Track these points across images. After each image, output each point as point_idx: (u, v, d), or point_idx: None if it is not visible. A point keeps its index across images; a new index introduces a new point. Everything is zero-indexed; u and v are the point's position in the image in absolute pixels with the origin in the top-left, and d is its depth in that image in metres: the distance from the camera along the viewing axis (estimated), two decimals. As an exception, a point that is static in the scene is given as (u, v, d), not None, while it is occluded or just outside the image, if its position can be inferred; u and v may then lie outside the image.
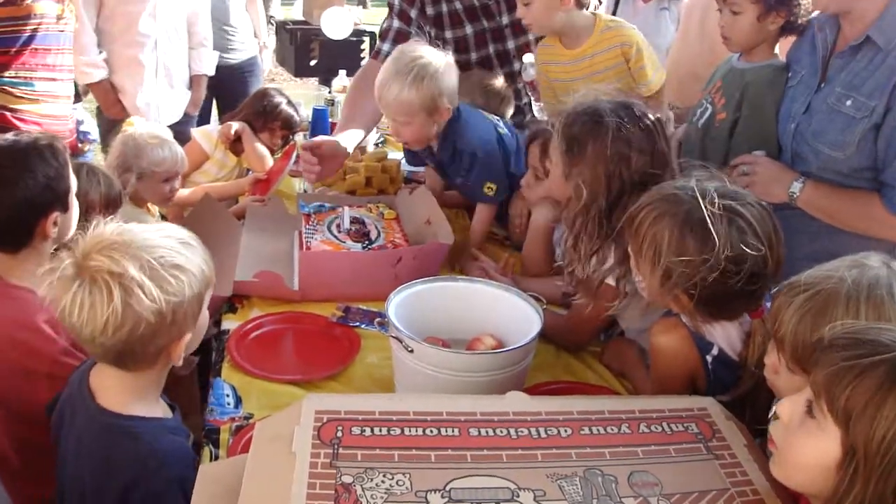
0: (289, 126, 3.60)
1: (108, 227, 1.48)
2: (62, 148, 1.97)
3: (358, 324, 2.19)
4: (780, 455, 1.17)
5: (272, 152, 3.50)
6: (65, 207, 1.94)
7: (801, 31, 2.38)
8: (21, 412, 1.84)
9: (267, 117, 3.54)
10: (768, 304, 1.51)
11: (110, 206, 2.38)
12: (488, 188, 2.68)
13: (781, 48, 2.52)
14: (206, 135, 3.47)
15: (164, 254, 1.45)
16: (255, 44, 5.00)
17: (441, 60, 2.57)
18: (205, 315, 1.61)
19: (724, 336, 1.68)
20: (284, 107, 3.56)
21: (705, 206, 1.58)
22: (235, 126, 3.41)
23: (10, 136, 1.99)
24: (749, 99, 2.40)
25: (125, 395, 1.54)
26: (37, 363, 1.81)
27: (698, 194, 1.61)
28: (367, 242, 2.46)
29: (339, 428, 1.26)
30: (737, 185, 1.71)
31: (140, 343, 1.45)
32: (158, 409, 1.61)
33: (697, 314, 1.66)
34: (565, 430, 1.31)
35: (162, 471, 1.47)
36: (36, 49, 3.11)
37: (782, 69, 2.40)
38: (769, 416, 1.52)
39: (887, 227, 2.10)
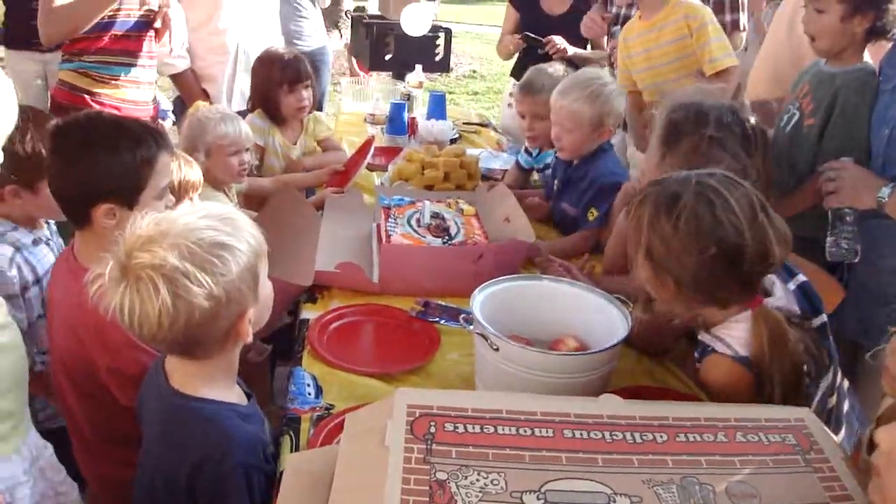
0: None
1: (144, 221, 1.45)
2: (154, 147, 1.91)
3: (437, 319, 2.19)
4: (881, 483, 1.13)
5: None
6: (129, 204, 1.87)
7: (892, 38, 2.33)
8: (94, 396, 1.88)
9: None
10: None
11: (187, 189, 2.41)
12: (591, 213, 2.77)
13: (871, 55, 2.47)
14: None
15: (203, 235, 1.42)
16: (324, 33, 5.04)
17: (616, 85, 2.86)
18: (267, 286, 1.59)
19: (736, 336, 1.63)
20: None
21: (685, 188, 1.59)
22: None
23: (118, 116, 1.98)
24: (840, 103, 2.36)
25: (197, 378, 1.54)
26: (103, 350, 1.83)
27: (692, 180, 1.62)
28: (446, 238, 2.45)
29: (433, 423, 1.25)
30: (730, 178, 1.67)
31: (201, 330, 1.44)
32: (233, 395, 1.60)
33: (686, 301, 1.64)
34: (661, 436, 1.28)
35: (228, 455, 1.46)
36: (117, 34, 3.16)
37: (873, 73, 2.36)
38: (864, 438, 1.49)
39: None
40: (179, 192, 2.37)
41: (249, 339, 1.54)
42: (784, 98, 2.69)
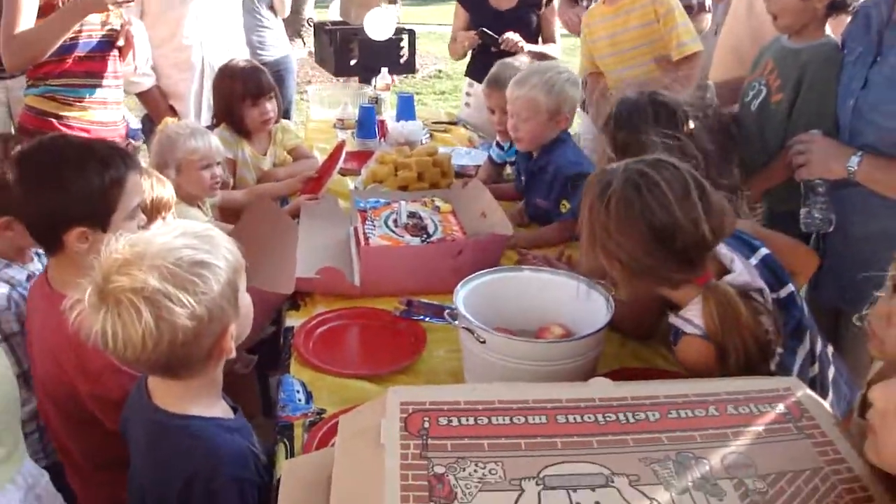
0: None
1: (119, 243, 1.43)
2: (123, 168, 1.89)
3: (422, 317, 2.19)
4: (877, 441, 1.14)
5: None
6: (101, 227, 1.85)
7: (851, 11, 2.36)
8: (82, 423, 1.86)
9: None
10: None
11: (160, 208, 2.39)
12: (563, 205, 2.78)
13: (832, 28, 2.49)
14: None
15: (181, 255, 1.40)
16: (287, 42, 5.02)
17: (571, 74, 2.88)
18: (246, 299, 1.57)
19: (697, 315, 1.64)
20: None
21: (615, 175, 1.63)
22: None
23: (83, 139, 1.97)
24: (809, 78, 2.39)
25: (181, 395, 1.52)
26: (83, 377, 1.80)
27: (622, 167, 1.65)
28: (425, 236, 2.45)
29: (426, 419, 1.25)
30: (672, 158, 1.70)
31: (185, 350, 1.42)
32: (218, 409, 1.59)
33: (637, 282, 1.67)
34: (653, 415, 1.29)
35: (219, 470, 1.46)
36: (80, 56, 3.14)
37: (836, 47, 2.38)
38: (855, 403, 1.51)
39: None
40: (152, 211, 2.36)
41: (233, 354, 1.53)
42: (745, 78, 2.71)
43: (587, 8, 3.91)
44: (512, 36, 4.13)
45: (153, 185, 2.40)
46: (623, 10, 3.22)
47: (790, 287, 1.84)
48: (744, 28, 3.11)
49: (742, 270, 1.69)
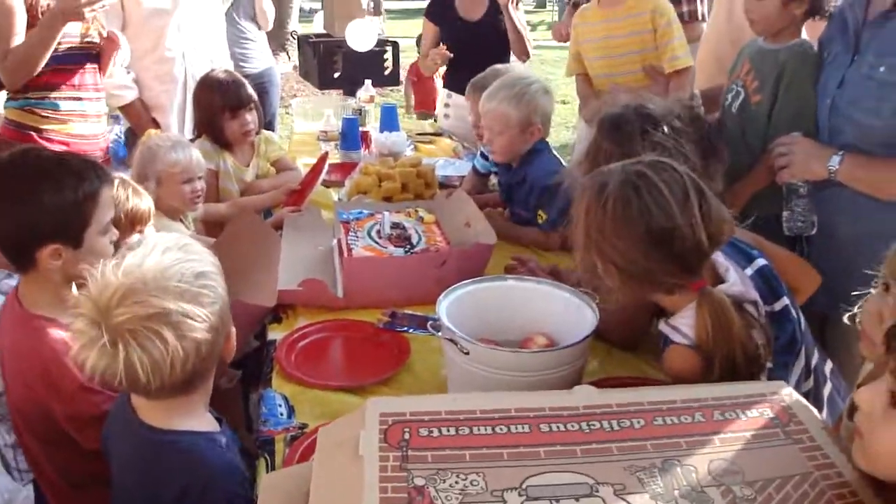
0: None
1: (107, 271, 1.38)
2: (97, 181, 1.86)
3: (406, 328, 2.17)
4: (864, 444, 1.12)
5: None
6: (74, 243, 1.82)
7: (828, 15, 2.36)
8: (57, 443, 1.82)
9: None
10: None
11: (136, 219, 2.37)
12: (540, 216, 2.80)
13: (808, 31, 2.51)
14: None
15: (178, 270, 1.40)
16: (270, 55, 5.01)
17: (542, 84, 2.89)
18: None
19: (688, 323, 1.61)
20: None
21: (612, 176, 1.60)
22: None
23: (56, 152, 1.94)
24: (787, 78, 2.39)
25: (170, 410, 1.50)
26: (56, 397, 1.77)
27: (619, 167, 1.62)
28: (408, 247, 2.43)
29: (406, 430, 1.22)
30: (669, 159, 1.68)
31: (205, 363, 1.44)
32: (205, 422, 1.57)
33: (631, 287, 1.63)
34: (638, 422, 1.27)
35: (211, 485, 1.44)
36: (58, 69, 3.12)
37: (812, 48, 2.39)
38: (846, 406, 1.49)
39: None
40: (128, 223, 2.33)
41: (230, 356, 1.55)
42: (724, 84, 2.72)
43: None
44: None
45: (129, 197, 2.37)
46: (619, 16, 3.18)
47: (785, 300, 1.82)
48: (724, 35, 3.12)
49: (736, 280, 1.67)
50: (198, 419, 1.54)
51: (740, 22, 2.95)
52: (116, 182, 2.34)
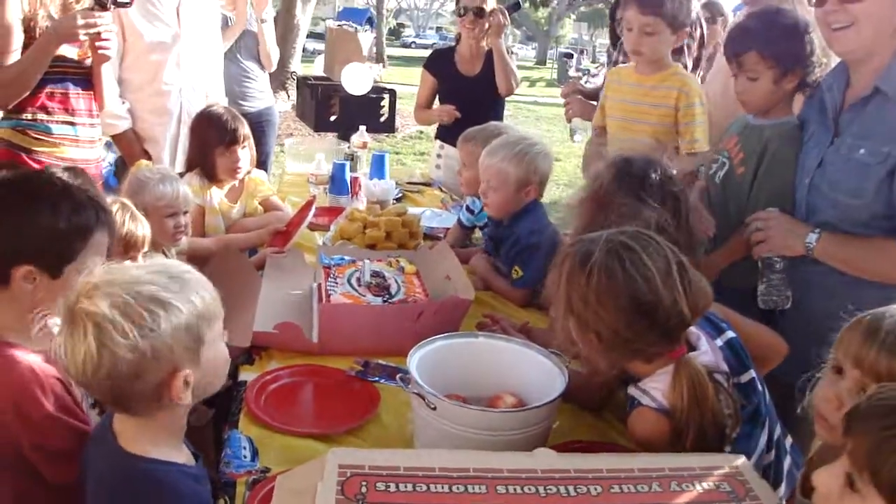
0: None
1: (98, 269, 1.46)
2: (93, 221, 1.83)
3: (377, 378, 2.17)
4: None
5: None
6: (53, 272, 1.78)
7: (814, 90, 2.41)
8: (23, 473, 1.80)
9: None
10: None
11: (131, 245, 2.38)
12: (515, 271, 2.84)
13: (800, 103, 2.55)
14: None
15: (143, 289, 1.42)
16: (271, 94, 5.06)
17: (544, 147, 2.93)
18: (218, 352, 1.56)
19: (659, 388, 1.64)
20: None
21: (596, 245, 1.62)
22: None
23: (67, 181, 1.93)
24: (769, 154, 2.44)
25: (142, 436, 1.51)
26: (23, 425, 1.73)
27: (603, 237, 1.64)
28: (387, 296, 2.44)
29: (364, 483, 1.23)
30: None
31: (128, 383, 1.42)
32: (181, 456, 1.57)
33: (610, 355, 1.66)
34: (595, 489, 1.28)
35: None
36: (53, 92, 3.14)
37: (799, 126, 2.43)
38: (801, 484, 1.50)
39: None
40: (122, 246, 2.34)
41: (186, 401, 1.51)
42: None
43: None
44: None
45: (126, 221, 2.39)
46: (649, 84, 3.19)
47: (752, 373, 1.83)
48: (720, 111, 3.15)
49: (707, 349, 1.69)
50: (171, 449, 1.55)
51: (734, 96, 3.01)
52: (116, 206, 2.36)
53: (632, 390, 1.69)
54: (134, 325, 1.38)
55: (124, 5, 3.25)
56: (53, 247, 1.80)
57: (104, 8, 3.10)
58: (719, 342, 1.80)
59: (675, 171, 2.14)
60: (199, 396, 1.54)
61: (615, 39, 4.08)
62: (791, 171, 2.38)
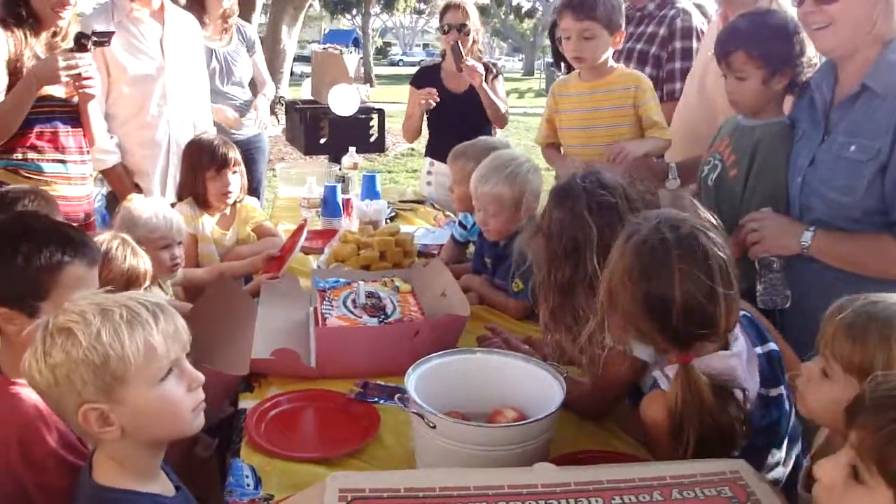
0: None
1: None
2: (60, 256, 1.82)
3: (377, 399, 2.17)
4: None
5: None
6: (29, 311, 1.77)
7: (803, 89, 2.42)
8: None
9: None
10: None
11: (132, 280, 2.38)
12: (516, 284, 2.82)
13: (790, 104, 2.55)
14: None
15: (59, 319, 1.43)
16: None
17: (532, 164, 2.95)
18: (156, 397, 1.48)
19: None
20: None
21: (649, 233, 1.65)
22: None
23: (28, 220, 1.93)
24: (761, 154, 2.43)
25: (114, 469, 1.50)
26: (28, 465, 1.73)
27: (656, 221, 1.67)
28: (383, 317, 2.44)
29: (365, 506, 1.23)
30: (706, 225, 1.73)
31: (52, 405, 1.49)
32: (156, 486, 1.55)
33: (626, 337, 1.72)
34: (596, 500, 1.28)
35: None
36: (42, 131, 3.17)
37: (790, 125, 2.43)
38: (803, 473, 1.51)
39: None
40: (124, 282, 2.35)
41: (112, 436, 1.46)
42: (703, 156, 2.76)
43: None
44: (475, 64, 4.28)
45: (127, 256, 2.40)
46: (601, 89, 3.23)
47: (782, 389, 1.82)
48: (697, 112, 3.17)
49: (736, 352, 1.69)
50: (147, 480, 1.53)
51: (712, 95, 3.03)
52: (116, 242, 2.36)
53: (656, 373, 1.72)
54: (35, 351, 1.43)
55: (103, 44, 3.28)
56: (20, 288, 1.79)
57: (84, 49, 3.12)
58: (759, 350, 1.81)
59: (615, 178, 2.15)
60: (146, 436, 1.50)
61: (559, 59, 4.10)
62: (783, 170, 2.38)
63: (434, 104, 4.39)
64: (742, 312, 1.76)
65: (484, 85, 4.27)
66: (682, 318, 1.59)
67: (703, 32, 3.67)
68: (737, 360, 1.67)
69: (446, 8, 4.54)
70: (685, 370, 1.60)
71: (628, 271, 1.62)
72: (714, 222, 1.78)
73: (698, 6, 4.12)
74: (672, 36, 3.76)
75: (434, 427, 1.69)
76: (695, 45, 3.70)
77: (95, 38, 3.18)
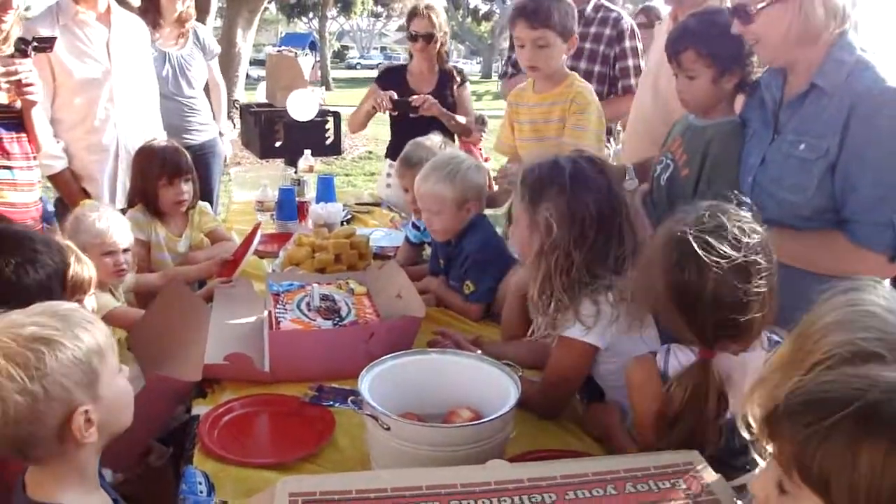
0: None
1: None
2: None
3: (331, 402, 2.14)
4: None
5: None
6: None
7: (753, 89, 2.43)
8: None
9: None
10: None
11: (76, 287, 2.33)
12: (467, 286, 2.83)
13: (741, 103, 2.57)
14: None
15: (22, 331, 1.39)
16: (214, 125, 5.01)
17: (473, 162, 2.96)
18: (118, 386, 1.52)
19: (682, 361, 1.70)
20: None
21: (687, 228, 1.69)
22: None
23: None
24: (712, 154, 2.44)
25: (50, 484, 1.46)
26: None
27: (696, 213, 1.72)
28: (337, 319, 2.42)
29: (315, 510, 1.21)
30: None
31: (26, 427, 1.38)
32: (94, 500, 1.52)
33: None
34: (550, 496, 1.27)
35: None
36: None
37: (741, 124, 2.44)
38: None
39: (853, 258, 2.10)
40: (69, 289, 2.29)
41: (91, 439, 1.45)
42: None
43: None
44: (424, 97, 4.27)
45: (71, 263, 2.34)
46: (548, 101, 3.24)
47: None
48: (652, 113, 3.18)
49: (756, 356, 1.70)
50: (85, 494, 1.50)
51: (666, 96, 3.04)
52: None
53: (664, 346, 1.77)
54: (19, 367, 1.35)
55: (45, 50, 3.22)
56: None
57: (24, 55, 3.06)
58: None
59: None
60: (109, 433, 1.50)
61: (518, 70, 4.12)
62: (735, 170, 2.39)
63: (384, 112, 4.38)
64: (776, 338, 1.76)
65: (442, 109, 4.29)
66: (711, 313, 1.62)
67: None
68: (743, 366, 1.69)
69: (412, 15, 4.54)
70: (703, 366, 1.63)
71: (663, 260, 1.66)
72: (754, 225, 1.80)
73: (649, 7, 4.18)
74: (621, 35, 3.83)
75: (388, 429, 1.67)
76: (639, 45, 3.75)
77: (36, 44, 3.12)
